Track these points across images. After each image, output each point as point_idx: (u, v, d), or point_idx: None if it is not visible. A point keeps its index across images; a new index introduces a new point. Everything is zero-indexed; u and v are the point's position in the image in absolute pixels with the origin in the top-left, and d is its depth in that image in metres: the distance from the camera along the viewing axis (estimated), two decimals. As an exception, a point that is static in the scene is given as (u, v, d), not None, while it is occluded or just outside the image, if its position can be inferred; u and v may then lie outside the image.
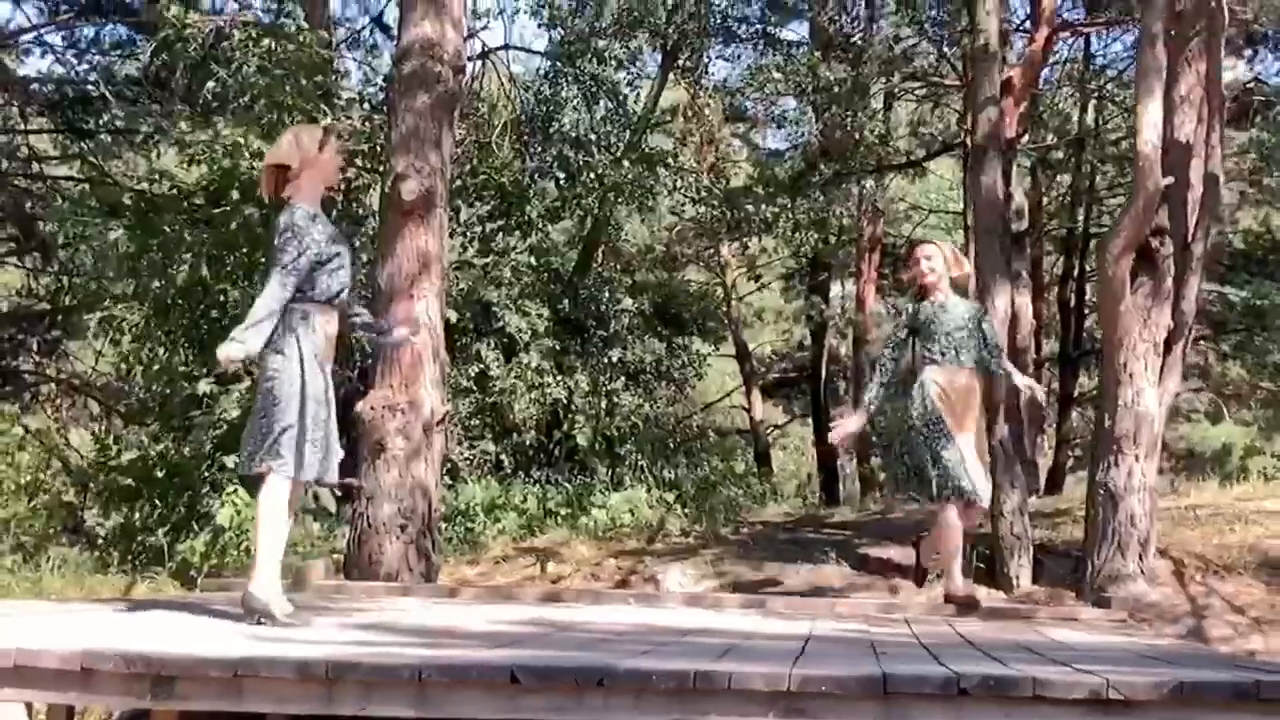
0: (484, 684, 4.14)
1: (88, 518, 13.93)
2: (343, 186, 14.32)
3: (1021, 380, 8.68)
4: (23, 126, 21.12)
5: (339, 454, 6.20)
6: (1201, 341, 23.65)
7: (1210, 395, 26.02)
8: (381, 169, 14.73)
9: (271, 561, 5.95)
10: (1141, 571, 9.13)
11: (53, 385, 22.91)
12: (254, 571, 5.97)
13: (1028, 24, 17.86)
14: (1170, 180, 8.96)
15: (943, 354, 8.23)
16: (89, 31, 21.02)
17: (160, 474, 13.61)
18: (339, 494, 13.32)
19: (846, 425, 8.77)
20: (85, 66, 20.89)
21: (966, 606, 8.13)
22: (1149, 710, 4.06)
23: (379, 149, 14.77)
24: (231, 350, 5.80)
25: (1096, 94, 21.18)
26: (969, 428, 8.21)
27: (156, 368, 14.62)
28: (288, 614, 5.87)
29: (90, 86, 20.64)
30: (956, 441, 8.08)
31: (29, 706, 4.43)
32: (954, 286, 8.51)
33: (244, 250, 14.14)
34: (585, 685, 4.11)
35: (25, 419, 15.45)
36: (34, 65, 21.08)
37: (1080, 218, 22.12)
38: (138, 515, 13.45)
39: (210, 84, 15.56)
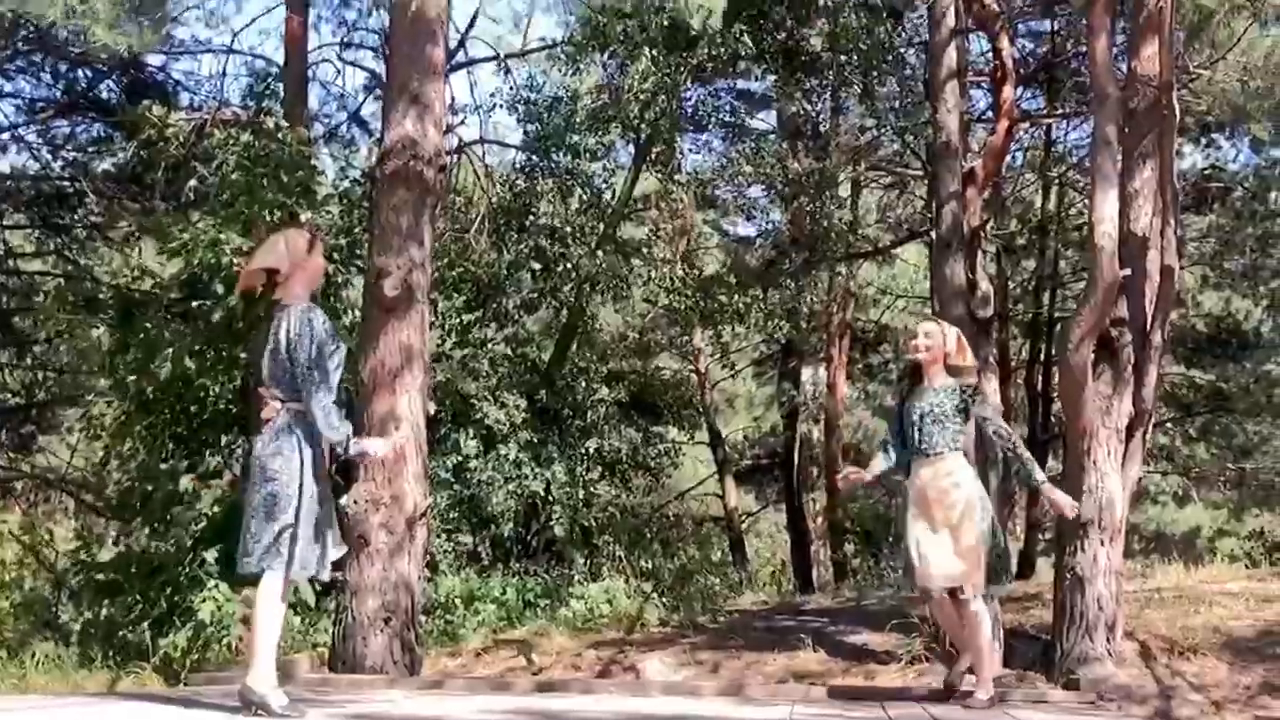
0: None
1: (65, 613, 13.95)
2: (322, 280, 14.53)
3: (1048, 489, 8.08)
4: (-2, 223, 21.33)
5: (338, 549, 6.38)
6: (1168, 424, 24.00)
7: (1178, 477, 26.32)
8: (359, 262, 15.01)
9: (269, 655, 6.12)
10: (1109, 653, 9.34)
11: (27, 480, 22.95)
12: (252, 664, 6.11)
13: (989, 113, 18.29)
14: (1127, 272, 9.28)
15: (917, 443, 7.88)
16: (65, 127, 21.26)
17: (141, 569, 13.69)
18: (320, 587, 13.45)
19: (860, 473, 8.35)
20: (61, 163, 21.12)
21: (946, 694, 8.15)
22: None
23: (357, 243, 15.03)
24: (367, 445, 6.59)
25: (1058, 181, 21.63)
26: (951, 520, 7.70)
27: (136, 463, 14.74)
28: (283, 705, 6.03)
29: (66, 183, 20.86)
30: (915, 531, 7.76)
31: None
32: (954, 374, 8.06)
33: (224, 346, 14.31)
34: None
35: (2, 515, 15.49)
36: (9, 161, 21.23)
37: (1045, 303, 22.49)
38: (119, 610, 13.52)
39: (191, 181, 15.83)
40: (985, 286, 15.16)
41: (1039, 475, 7.98)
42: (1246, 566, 15.70)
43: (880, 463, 8.18)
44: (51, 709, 6.37)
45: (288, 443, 6.20)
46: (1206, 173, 20.91)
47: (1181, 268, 21.05)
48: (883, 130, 19.39)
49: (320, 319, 6.30)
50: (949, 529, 7.70)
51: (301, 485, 6.16)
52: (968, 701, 7.76)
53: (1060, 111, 20.10)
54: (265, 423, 6.35)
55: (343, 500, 9.89)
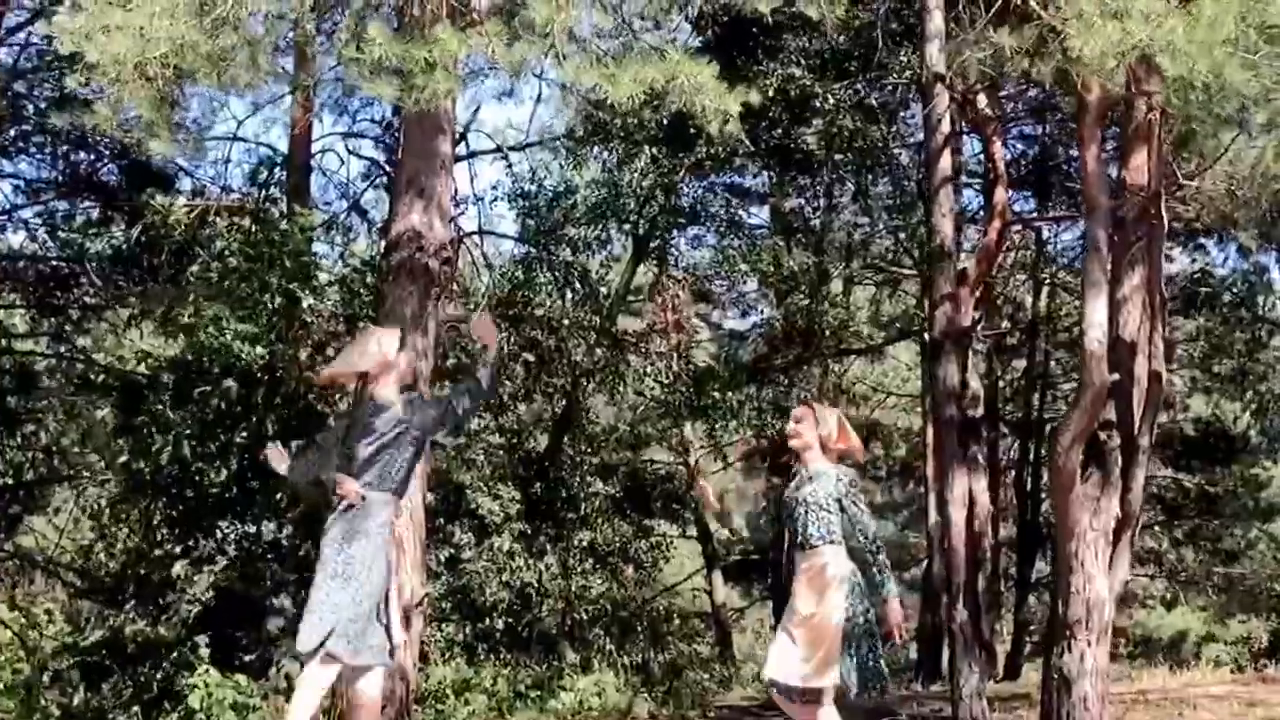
0: None
1: (50, 698, 13.93)
2: (322, 366, 14.69)
3: (894, 607, 7.23)
4: (-5, 302, 21.42)
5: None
6: (1156, 527, 24.09)
7: (1165, 581, 26.35)
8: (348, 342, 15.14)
9: None
10: (1096, 755, 9.40)
11: (12, 562, 22.86)
12: None
13: (981, 213, 18.57)
14: (1115, 376, 9.44)
15: (795, 535, 7.40)
16: (64, 209, 21.42)
17: (130, 653, 13.72)
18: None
19: (707, 487, 8.24)
20: (59, 244, 21.27)
21: None
22: None
23: (355, 328, 15.19)
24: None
25: (1049, 282, 21.88)
26: (813, 610, 7.13)
27: (129, 546, 14.79)
28: None
29: (64, 264, 20.99)
30: (782, 633, 7.27)
31: None
32: (840, 459, 7.60)
33: (222, 430, 14.42)
34: None
35: (-8, 598, 15.52)
36: (7, 241, 21.37)
37: (1035, 402, 22.65)
38: (108, 695, 13.53)
39: (193, 266, 16.00)
40: (976, 385, 15.37)
41: (891, 586, 7.21)
42: (1232, 671, 15.74)
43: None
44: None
45: (373, 528, 6.64)
46: (1195, 277, 21.17)
47: (1170, 371, 21.36)
48: (875, 229, 19.66)
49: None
50: (806, 623, 7.12)
51: (370, 568, 6.56)
52: None
53: (1051, 214, 20.40)
54: (346, 506, 6.71)
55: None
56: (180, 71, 7.35)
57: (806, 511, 7.28)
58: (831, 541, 7.22)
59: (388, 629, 6.68)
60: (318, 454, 7.11)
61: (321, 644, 6.42)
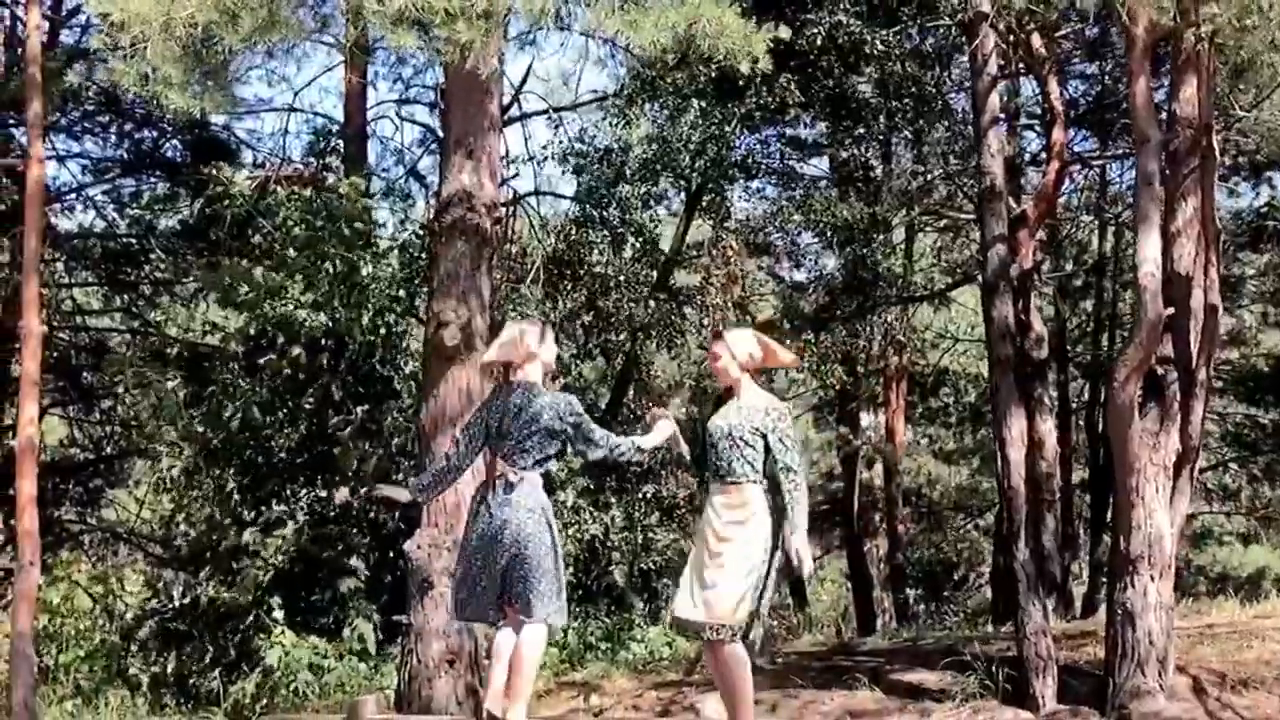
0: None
1: (134, 663, 14.27)
2: (383, 331, 14.87)
3: (797, 538, 6.86)
4: (67, 280, 21.82)
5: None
6: (1232, 464, 23.87)
7: (1243, 518, 26.12)
8: (416, 312, 15.33)
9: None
10: (1161, 688, 9.40)
11: (96, 533, 23.35)
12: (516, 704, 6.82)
13: (1042, 155, 18.42)
14: (1171, 310, 9.41)
15: (713, 467, 7.06)
16: (130, 184, 21.76)
17: (209, 618, 14.02)
18: (382, 635, 13.71)
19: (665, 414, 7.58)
20: (127, 221, 21.62)
21: None
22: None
23: (416, 294, 15.36)
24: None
25: (1114, 222, 21.66)
26: (722, 554, 6.90)
27: (203, 515, 15.08)
28: None
29: (133, 240, 21.34)
30: (689, 569, 7.12)
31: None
32: (759, 376, 7.33)
33: (289, 397, 14.65)
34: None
35: (71, 567, 15.86)
36: (77, 220, 21.78)
37: (1104, 343, 22.48)
38: (189, 659, 13.85)
39: (255, 237, 16.24)
40: (1039, 328, 15.32)
41: (799, 521, 6.86)
42: (1306, 604, 15.58)
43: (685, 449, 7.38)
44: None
45: (537, 506, 6.95)
46: (1263, 210, 20.88)
47: (1241, 306, 21.17)
48: (934, 175, 19.53)
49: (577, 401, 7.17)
50: (717, 562, 6.88)
51: (553, 542, 6.94)
52: None
53: (1112, 152, 20.18)
54: (508, 486, 6.95)
55: (405, 545, 10.21)
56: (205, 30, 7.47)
57: (731, 446, 6.98)
58: (753, 480, 6.96)
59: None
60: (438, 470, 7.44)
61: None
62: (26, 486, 9.82)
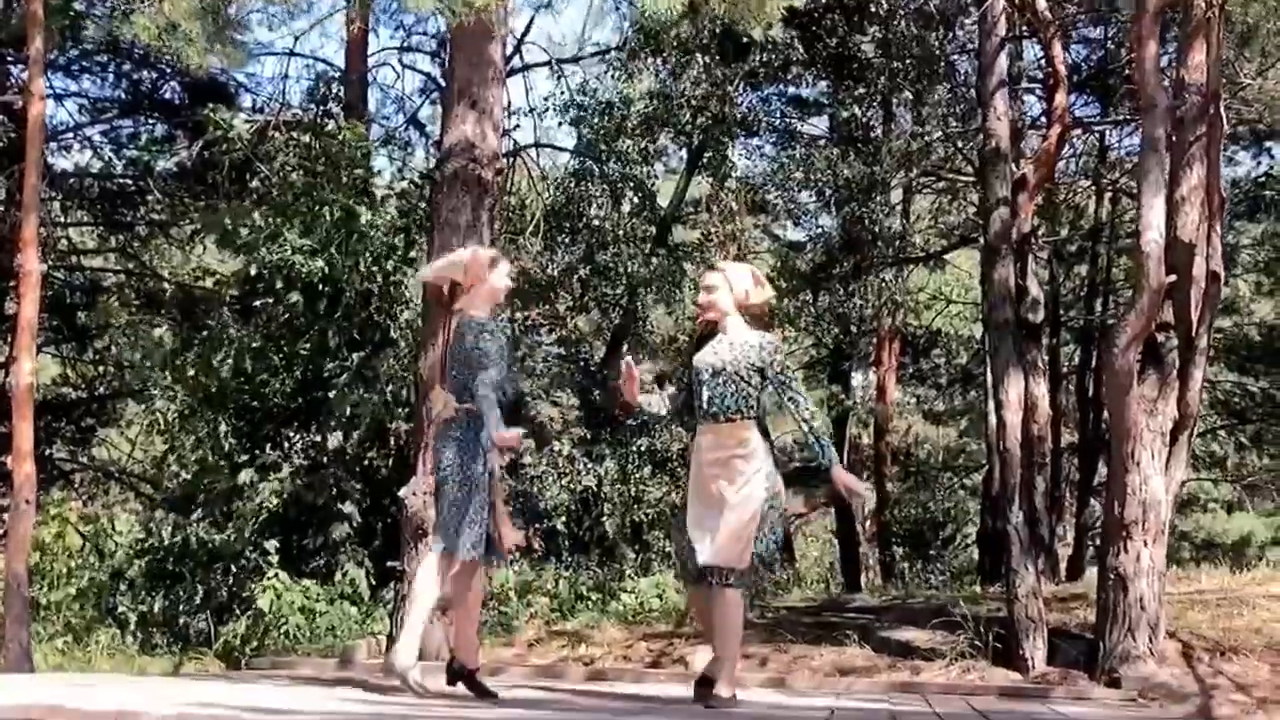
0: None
1: (123, 602, 14.30)
2: (380, 278, 14.85)
3: (837, 471, 6.85)
4: (63, 220, 21.75)
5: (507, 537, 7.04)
6: (1220, 431, 23.97)
7: (1229, 485, 26.27)
8: (414, 260, 15.31)
9: (417, 630, 6.82)
10: (1151, 653, 9.47)
11: (88, 472, 23.39)
12: (404, 637, 6.80)
13: (1043, 119, 18.39)
14: (1173, 277, 9.42)
15: (705, 405, 6.84)
16: (128, 125, 21.68)
17: (200, 559, 14.05)
18: (374, 580, 13.76)
19: (634, 372, 7.25)
20: (124, 161, 21.54)
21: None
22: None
23: (413, 243, 15.33)
24: (507, 436, 6.64)
25: (1111, 187, 21.64)
26: (728, 494, 6.70)
27: (196, 457, 15.08)
28: (418, 681, 6.73)
29: (129, 181, 21.27)
30: (690, 510, 6.89)
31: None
32: (752, 317, 7.12)
33: (284, 342, 14.63)
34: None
35: (63, 505, 15.85)
36: (73, 159, 21.72)
37: (1098, 309, 22.50)
38: (179, 599, 13.88)
39: (254, 182, 16.18)
40: (1036, 291, 15.32)
41: (830, 453, 6.81)
42: (1294, 572, 15.68)
43: (658, 402, 7.31)
44: (134, 685, 6.66)
45: (461, 439, 6.76)
46: (1260, 180, 20.87)
47: (1235, 275, 21.19)
48: (934, 137, 19.49)
49: (487, 325, 6.89)
50: (719, 504, 6.69)
51: (469, 476, 6.73)
52: (710, 699, 6.75)
53: (1114, 118, 20.14)
54: (443, 421, 6.89)
55: (401, 493, 10.22)
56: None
57: (725, 382, 6.78)
58: (752, 416, 6.79)
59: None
60: None
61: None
62: (24, 427, 9.82)
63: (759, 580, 6.84)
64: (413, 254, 15.41)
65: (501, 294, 7.10)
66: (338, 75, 18.51)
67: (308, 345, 14.51)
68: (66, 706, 4.86)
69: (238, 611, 13.06)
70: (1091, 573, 17.35)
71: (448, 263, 7.11)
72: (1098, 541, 21.86)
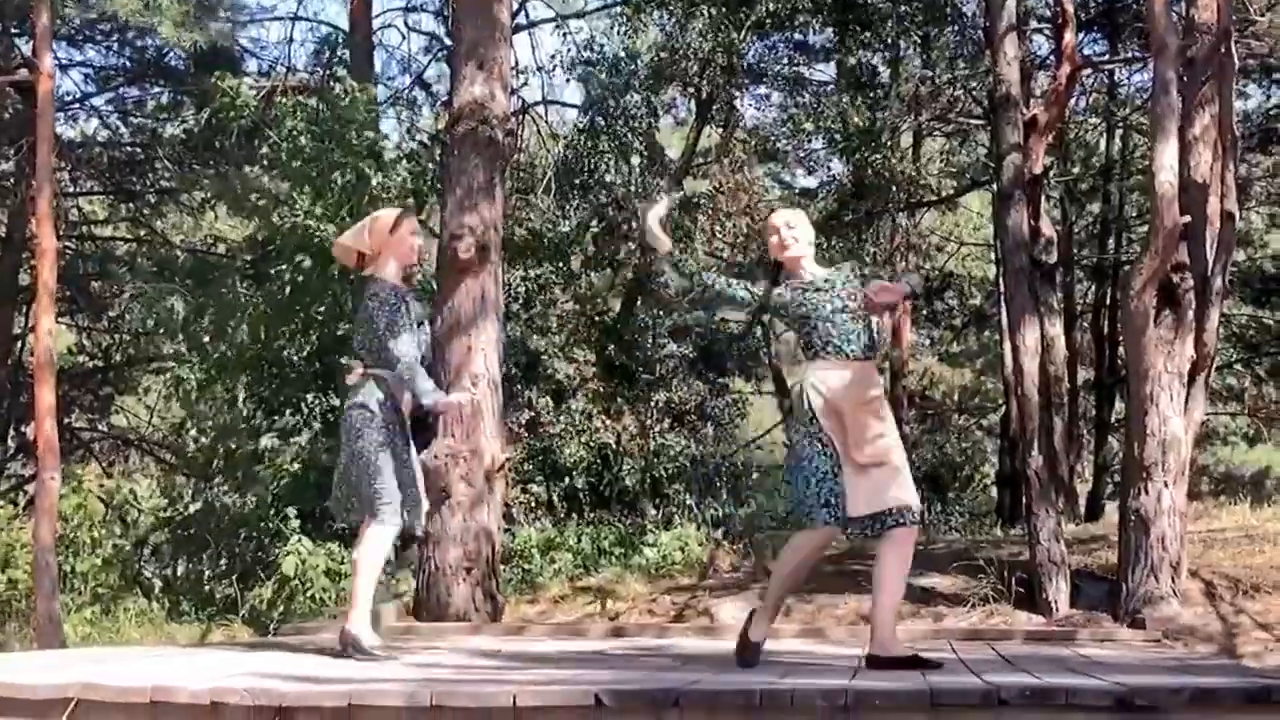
0: (572, 708, 4.58)
1: (148, 569, 14.42)
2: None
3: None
4: (73, 189, 21.78)
5: (424, 504, 6.81)
6: (1237, 365, 23.95)
7: (1247, 418, 26.25)
8: (426, 222, 15.31)
9: (366, 599, 6.66)
10: (1174, 593, 9.52)
11: (107, 441, 23.53)
12: (351, 611, 6.66)
13: (1051, 59, 18.31)
14: (1188, 218, 9.41)
15: (831, 343, 6.29)
16: (134, 93, 21.67)
17: (224, 525, 14.15)
18: (399, 541, 13.84)
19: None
20: (131, 130, 21.54)
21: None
22: (1169, 714, 4.45)
23: (424, 204, 15.34)
24: (439, 400, 6.79)
25: (1122, 125, 21.58)
26: (880, 430, 6.25)
27: (215, 423, 15.16)
28: (372, 646, 6.55)
29: (138, 149, 21.27)
30: (830, 469, 6.16)
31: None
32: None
33: (299, 307, 14.66)
34: (663, 705, 4.54)
35: (84, 475, 15.95)
36: (80, 128, 21.72)
37: (1110, 247, 22.47)
38: (205, 565, 13.99)
39: (263, 149, 16.16)
40: (1049, 232, 15.31)
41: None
42: (1314, 505, 15.70)
43: (715, 281, 6.74)
44: (168, 658, 6.73)
45: (370, 403, 6.64)
46: (1271, 113, 20.78)
47: (1248, 208, 21.12)
48: (943, 80, 19.41)
49: (385, 293, 6.67)
50: (878, 445, 6.20)
51: (383, 442, 6.61)
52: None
53: (1122, 56, 20.05)
54: (350, 388, 6.82)
55: (423, 456, 10.27)
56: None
57: (853, 318, 6.28)
58: (877, 350, 6.40)
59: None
60: None
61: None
62: (46, 398, 9.90)
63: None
64: (425, 215, 15.41)
65: (411, 253, 6.90)
66: (342, 38, 18.45)
67: (322, 310, 14.54)
68: (103, 684, 4.92)
69: (263, 576, 13.15)
70: (1111, 511, 17.43)
71: (353, 231, 7.03)
72: (1117, 479, 21.97)
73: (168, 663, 6.22)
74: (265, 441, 14.14)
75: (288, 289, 14.55)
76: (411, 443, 6.88)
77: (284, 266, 14.59)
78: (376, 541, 6.66)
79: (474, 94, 10.80)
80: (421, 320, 6.91)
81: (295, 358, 14.74)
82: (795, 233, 6.47)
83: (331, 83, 16.73)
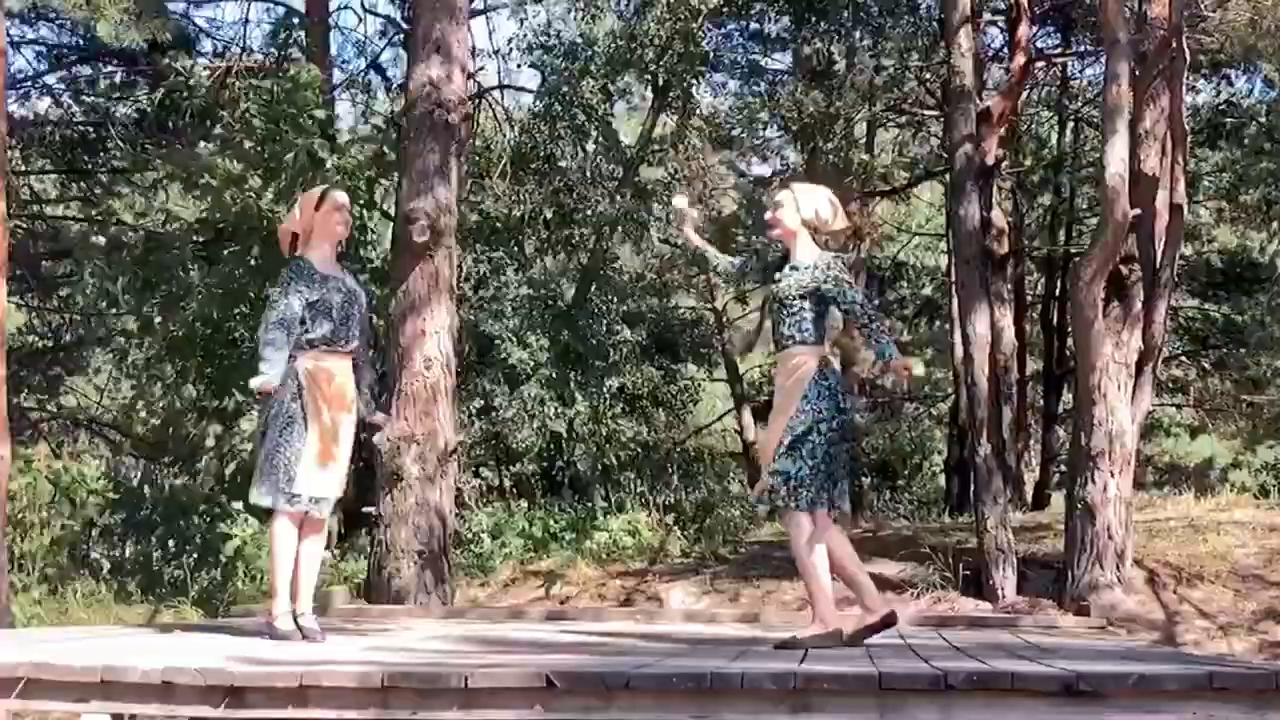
0: (522, 689, 4.61)
1: (96, 550, 14.32)
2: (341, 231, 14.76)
3: (895, 362, 6.48)
4: (24, 168, 21.55)
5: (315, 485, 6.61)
6: (1183, 357, 24.18)
7: (1192, 410, 26.50)
8: (379, 205, 15.28)
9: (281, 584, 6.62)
10: (1118, 581, 9.66)
11: (55, 421, 23.31)
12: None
13: (1005, 51, 18.43)
14: (1137, 211, 9.52)
15: (774, 330, 6.64)
16: (87, 72, 21.44)
17: (171, 507, 14.07)
18: (344, 526, 13.82)
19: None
20: (84, 109, 21.32)
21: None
22: (1113, 700, 4.52)
23: (376, 184, 15.29)
24: (254, 381, 6.55)
25: (1073, 117, 21.73)
26: (778, 420, 6.46)
27: (164, 404, 15.07)
28: (288, 629, 6.50)
29: (90, 129, 21.07)
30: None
31: (116, 718, 4.92)
32: (826, 245, 6.78)
33: (249, 288, 14.57)
34: (614, 687, 4.58)
35: (32, 454, 15.82)
36: (32, 107, 21.47)
37: (1061, 238, 22.63)
38: (153, 547, 13.91)
39: (216, 129, 16.06)
40: (1000, 223, 15.44)
41: (890, 350, 6.43)
42: (1256, 497, 15.91)
43: (723, 260, 7.05)
44: (117, 638, 6.71)
45: (285, 383, 6.54)
46: (1220, 108, 20.96)
47: (1196, 202, 21.32)
48: (898, 71, 19.50)
49: (285, 273, 6.69)
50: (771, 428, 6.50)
51: (295, 422, 6.52)
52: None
53: (1075, 50, 20.18)
54: None
55: (375, 439, 10.28)
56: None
57: (780, 308, 6.51)
58: (803, 341, 6.42)
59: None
60: None
61: None
62: (-3, 375, 9.78)
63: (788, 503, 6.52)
64: (378, 197, 15.36)
65: (336, 227, 6.78)
66: (298, 19, 18.33)
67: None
68: (54, 664, 4.91)
69: (210, 559, 13.11)
70: (1057, 501, 17.60)
71: (287, 218, 7.04)
72: (1063, 469, 22.18)
73: (118, 643, 6.21)
74: (211, 423, 14.08)
75: (239, 270, 14.48)
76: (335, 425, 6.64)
77: (235, 248, 14.52)
78: (280, 525, 6.61)
79: (430, 76, 10.80)
80: (353, 300, 6.74)
81: (245, 340, 14.67)
82: (780, 213, 6.60)
83: (286, 65, 16.63)
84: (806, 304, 6.43)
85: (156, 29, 16.08)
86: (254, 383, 6.55)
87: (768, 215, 6.72)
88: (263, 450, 6.61)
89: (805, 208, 6.59)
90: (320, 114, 14.84)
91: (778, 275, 6.62)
